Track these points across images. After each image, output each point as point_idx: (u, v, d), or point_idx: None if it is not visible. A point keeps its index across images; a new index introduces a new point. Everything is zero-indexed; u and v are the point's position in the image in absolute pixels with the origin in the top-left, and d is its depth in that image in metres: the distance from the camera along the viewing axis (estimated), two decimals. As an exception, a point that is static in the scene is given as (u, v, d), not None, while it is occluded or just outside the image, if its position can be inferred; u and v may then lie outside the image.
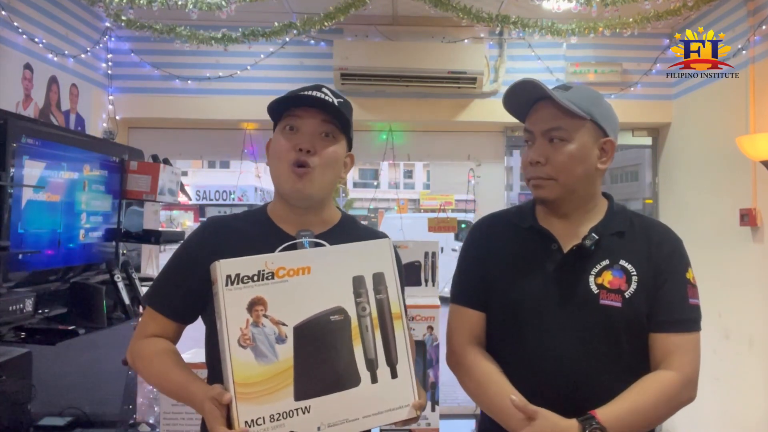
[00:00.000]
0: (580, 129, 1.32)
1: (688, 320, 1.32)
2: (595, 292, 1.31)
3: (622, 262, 1.33)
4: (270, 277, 1.14)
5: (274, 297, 1.13)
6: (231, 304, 1.11)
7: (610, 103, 1.40)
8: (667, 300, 1.31)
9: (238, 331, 1.10)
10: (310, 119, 1.30)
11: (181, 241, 1.44)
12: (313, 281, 1.17)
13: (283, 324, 1.13)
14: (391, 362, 1.18)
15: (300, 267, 1.16)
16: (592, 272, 1.32)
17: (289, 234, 1.33)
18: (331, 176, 1.33)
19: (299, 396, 1.11)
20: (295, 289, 1.15)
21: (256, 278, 1.13)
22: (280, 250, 1.22)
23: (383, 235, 1.43)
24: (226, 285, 1.11)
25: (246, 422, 1.07)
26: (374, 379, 1.16)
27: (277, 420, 1.09)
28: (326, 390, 1.13)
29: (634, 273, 1.31)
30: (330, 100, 1.31)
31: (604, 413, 1.21)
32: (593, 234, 1.33)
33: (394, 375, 1.18)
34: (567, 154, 1.31)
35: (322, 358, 1.14)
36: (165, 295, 1.36)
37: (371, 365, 1.17)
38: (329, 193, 1.38)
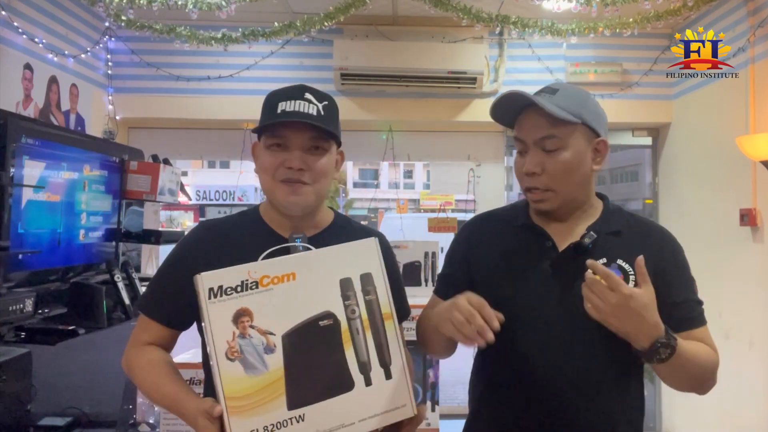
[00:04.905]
0: (573, 134, 1.29)
1: (702, 314, 1.35)
2: None
3: (620, 262, 1.32)
4: (254, 287, 1.12)
5: (260, 307, 1.11)
6: (215, 318, 1.09)
7: (596, 100, 1.38)
8: (684, 299, 1.33)
9: (224, 344, 1.09)
10: (297, 136, 1.27)
11: (174, 245, 1.42)
12: (299, 287, 1.14)
13: (271, 333, 1.11)
14: (385, 363, 1.17)
15: (284, 274, 1.14)
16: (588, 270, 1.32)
17: (282, 237, 1.32)
18: (325, 186, 1.33)
19: (292, 405, 1.10)
20: (281, 297, 1.13)
21: (239, 289, 1.11)
22: (264, 257, 1.20)
23: (376, 234, 1.42)
24: (209, 298, 1.10)
25: None
26: (368, 382, 1.15)
27: (271, 431, 1.08)
28: (319, 396, 1.12)
29: (632, 272, 1.30)
30: (314, 108, 1.27)
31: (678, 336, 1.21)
32: (592, 232, 1.31)
33: (388, 376, 1.17)
34: (563, 163, 1.29)
35: (313, 365, 1.13)
36: (158, 303, 1.35)
37: (364, 368, 1.16)
38: (324, 199, 1.37)
